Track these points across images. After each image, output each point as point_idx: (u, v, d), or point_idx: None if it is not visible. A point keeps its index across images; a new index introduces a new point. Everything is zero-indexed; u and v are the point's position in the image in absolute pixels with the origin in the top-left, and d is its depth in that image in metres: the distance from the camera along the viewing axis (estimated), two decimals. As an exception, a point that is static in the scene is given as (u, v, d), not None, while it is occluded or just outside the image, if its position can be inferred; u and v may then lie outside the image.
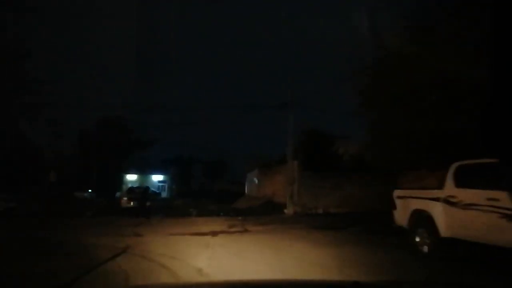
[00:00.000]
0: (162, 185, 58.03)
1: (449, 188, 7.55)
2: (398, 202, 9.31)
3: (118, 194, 40.06)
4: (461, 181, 7.38)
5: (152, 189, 51.49)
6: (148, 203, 21.30)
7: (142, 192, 23.91)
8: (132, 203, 26.35)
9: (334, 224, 14.78)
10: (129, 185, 43.78)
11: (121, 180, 52.33)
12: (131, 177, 55.65)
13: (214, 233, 12.04)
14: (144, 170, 56.91)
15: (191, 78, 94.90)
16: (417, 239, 8.28)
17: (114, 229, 13.43)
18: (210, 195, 44.92)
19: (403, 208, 8.91)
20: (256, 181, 33.24)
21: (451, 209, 7.35)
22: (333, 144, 21.94)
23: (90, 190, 44.75)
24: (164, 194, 54.46)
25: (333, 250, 8.80)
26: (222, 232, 12.63)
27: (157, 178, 58.74)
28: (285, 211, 19.93)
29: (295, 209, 19.71)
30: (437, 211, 7.69)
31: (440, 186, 7.75)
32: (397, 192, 9.53)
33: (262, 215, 19.61)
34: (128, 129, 52.95)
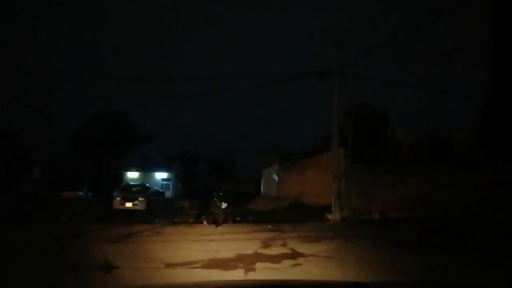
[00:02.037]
0: (166, 184, 52.77)
1: None
2: None
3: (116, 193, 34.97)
4: None
5: (155, 187, 46.40)
6: (224, 205, 14.57)
7: (217, 189, 15.59)
8: (126, 205, 21.25)
9: (432, 239, 9.48)
10: (129, 183, 38.57)
11: (120, 178, 47.33)
12: (132, 175, 50.56)
13: (245, 262, 6.79)
14: (146, 168, 51.78)
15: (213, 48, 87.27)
16: None
17: (76, 249, 8.22)
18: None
19: None
20: (276, 178, 27.94)
21: None
22: (387, 127, 16.58)
23: (85, 189, 39.83)
24: (168, 194, 49.29)
25: None
26: (257, 256, 7.40)
27: (161, 176, 53.48)
28: (329, 216, 14.62)
29: (343, 214, 14.39)
30: None
31: None
32: None
33: (297, 221, 14.32)
34: (128, 123, 48.28)
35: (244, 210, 21.80)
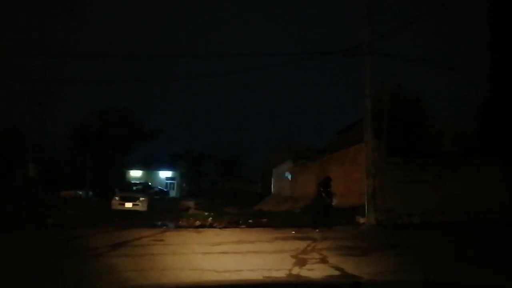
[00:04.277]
0: (170, 183, 50.67)
1: None
2: None
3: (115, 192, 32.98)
4: None
5: (159, 186, 44.41)
6: (334, 201, 11.78)
7: (323, 183, 12.12)
8: (126, 205, 19.13)
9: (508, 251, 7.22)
10: (130, 181, 36.57)
11: (123, 176, 45.34)
12: (136, 173, 48.57)
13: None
14: (150, 166, 49.74)
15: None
16: None
17: (45, 267, 6.07)
18: (224, 195, 38.13)
19: None
20: (289, 177, 25.72)
21: None
22: (425, 116, 14.31)
23: (86, 188, 38.00)
24: (172, 193, 47.21)
25: None
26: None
27: (165, 174, 51.39)
28: (361, 220, 12.39)
29: (377, 217, 12.13)
30: None
31: None
32: None
33: (322, 225, 12.08)
34: (133, 120, 46.33)
35: (255, 211, 19.71)
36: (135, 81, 54.63)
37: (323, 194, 11.62)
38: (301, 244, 8.29)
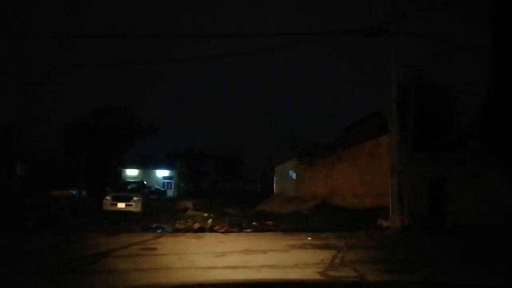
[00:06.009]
0: (168, 182, 49.11)
1: None
2: None
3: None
4: None
5: (156, 186, 42.88)
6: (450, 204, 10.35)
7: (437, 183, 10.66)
8: (118, 205, 17.57)
9: None
10: (124, 180, 35.04)
11: (119, 176, 43.68)
12: (132, 172, 46.95)
13: None
14: (147, 165, 48.14)
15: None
16: None
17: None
18: (224, 195, 36.69)
19: None
20: (294, 175, 24.17)
21: None
22: (454, 108, 12.78)
23: (79, 187, 36.47)
24: (170, 193, 45.65)
25: None
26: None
27: (162, 173, 49.80)
28: (384, 223, 10.83)
29: (403, 220, 10.58)
30: None
31: None
32: None
33: (338, 230, 10.58)
34: (130, 118, 44.70)
35: (257, 212, 18.24)
36: (129, 63, 52.68)
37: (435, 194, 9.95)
38: (324, 255, 6.74)
